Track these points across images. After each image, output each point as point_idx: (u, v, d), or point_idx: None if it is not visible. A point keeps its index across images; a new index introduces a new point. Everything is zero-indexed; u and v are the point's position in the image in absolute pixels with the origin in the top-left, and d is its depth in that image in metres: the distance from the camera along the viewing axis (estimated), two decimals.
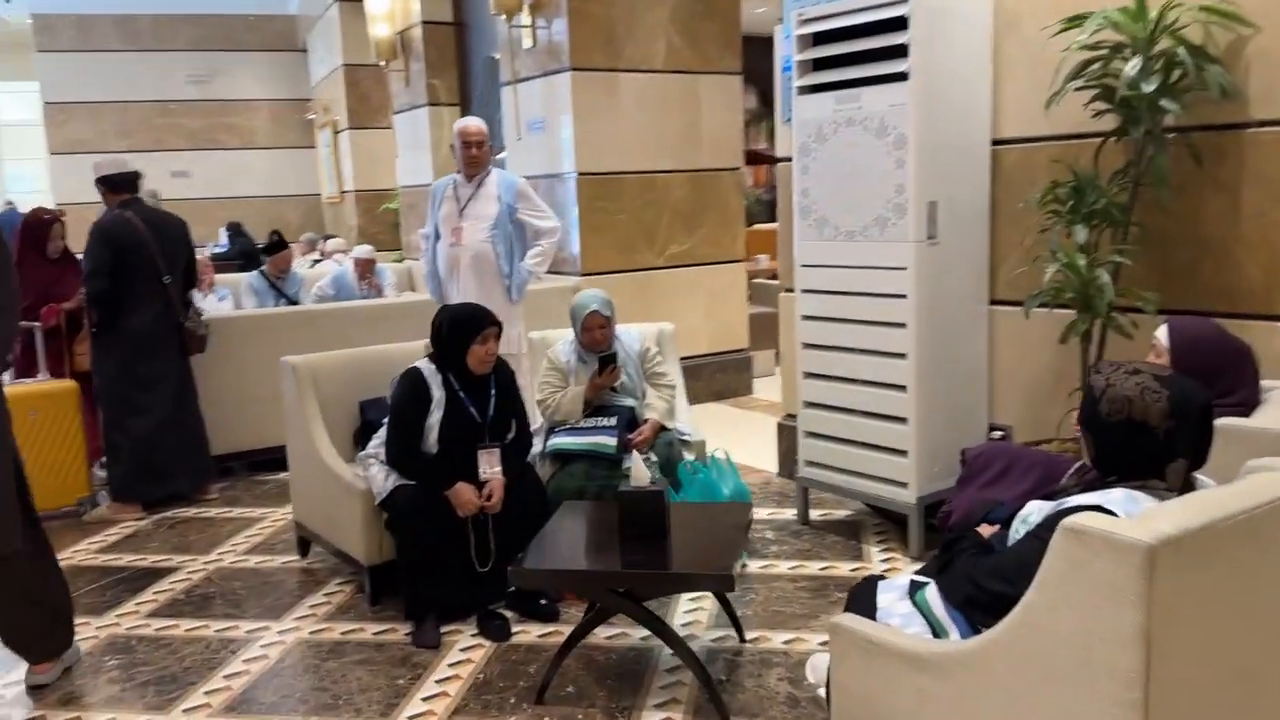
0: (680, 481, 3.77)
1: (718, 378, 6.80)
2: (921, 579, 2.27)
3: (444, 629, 3.31)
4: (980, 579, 2.05)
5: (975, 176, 3.88)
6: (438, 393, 3.37)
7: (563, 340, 4.07)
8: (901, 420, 3.80)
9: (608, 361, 3.84)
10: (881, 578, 2.39)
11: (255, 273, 7.17)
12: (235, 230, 11.81)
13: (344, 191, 11.36)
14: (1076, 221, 3.34)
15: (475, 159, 4.77)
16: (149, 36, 13.20)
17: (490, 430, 3.43)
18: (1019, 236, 3.80)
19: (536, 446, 3.88)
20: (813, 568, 3.78)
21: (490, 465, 3.37)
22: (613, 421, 3.83)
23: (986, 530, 2.34)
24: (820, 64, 3.94)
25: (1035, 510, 2.09)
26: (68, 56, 12.90)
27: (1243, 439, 2.37)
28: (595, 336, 3.91)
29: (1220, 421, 2.42)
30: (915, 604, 2.20)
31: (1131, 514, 1.89)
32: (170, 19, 13.19)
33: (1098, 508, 1.90)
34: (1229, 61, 3.21)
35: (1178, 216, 3.41)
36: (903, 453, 3.81)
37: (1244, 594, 1.85)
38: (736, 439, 5.59)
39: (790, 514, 4.36)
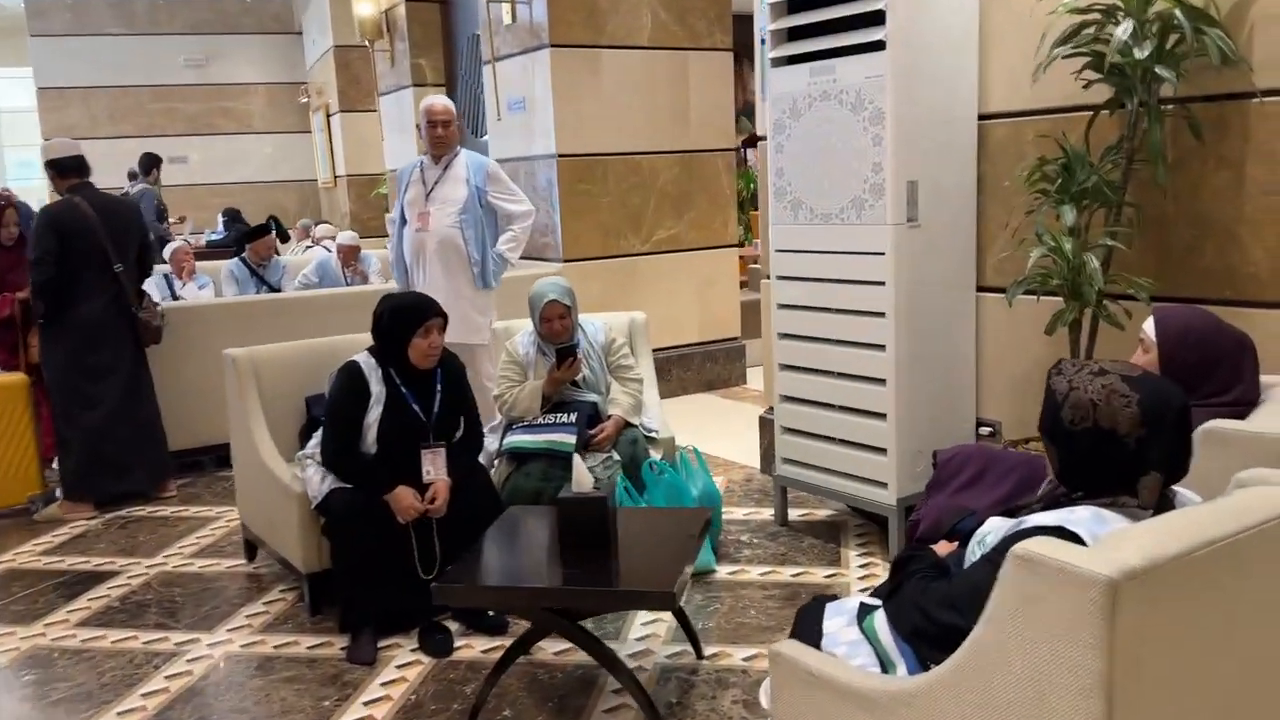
0: (644, 482, 3.54)
1: (708, 367, 6.55)
2: (873, 602, 2.04)
3: (383, 643, 3.10)
4: (929, 608, 1.81)
5: (960, 154, 3.60)
6: (377, 388, 3.15)
7: (523, 331, 3.84)
8: (881, 416, 3.55)
9: (566, 354, 3.61)
10: (833, 597, 2.15)
11: (236, 260, 6.98)
12: (232, 216, 11.64)
13: (337, 176, 11.16)
14: (1065, 201, 3.07)
15: (441, 139, 4.54)
16: (144, 20, 13.00)
17: (436, 428, 3.20)
18: (1007, 218, 3.52)
19: (493, 445, 3.66)
20: (785, 574, 3.55)
21: (434, 466, 3.15)
22: (573, 418, 3.60)
23: (944, 548, 2.10)
24: (796, 34, 3.68)
25: (993, 529, 1.85)
26: (62, 41, 12.73)
27: (1236, 444, 2.12)
28: (555, 327, 3.67)
29: (1212, 424, 2.17)
30: (863, 631, 1.97)
31: (1098, 536, 1.64)
32: (166, 2, 13.00)
33: (1058, 529, 1.66)
34: (1231, 26, 2.93)
35: (1176, 195, 3.13)
36: (882, 450, 3.56)
37: (1224, 633, 1.60)
38: (723, 431, 5.37)
39: (769, 514, 4.13)
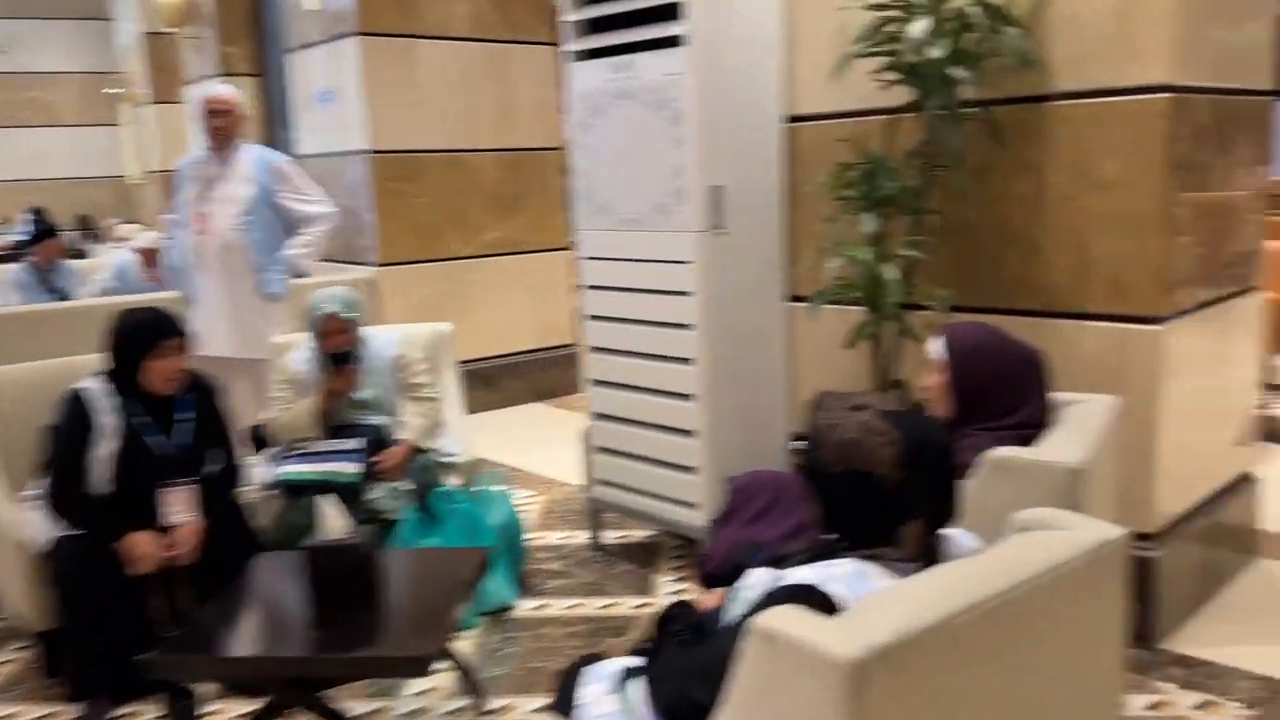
0: (435, 514, 3.23)
1: (542, 375, 6.27)
2: (638, 663, 1.79)
3: (122, 711, 2.70)
4: (682, 679, 1.58)
5: (768, 158, 3.42)
6: (107, 419, 2.74)
7: (300, 348, 3.46)
8: (691, 434, 3.35)
9: (340, 361, 3.26)
10: (597, 657, 1.91)
11: (20, 264, 6.32)
12: (37, 215, 10.69)
13: (149, 172, 10.37)
14: (867, 209, 2.92)
15: (220, 130, 4.12)
16: None
17: (183, 463, 2.82)
18: (818, 226, 3.36)
19: (265, 475, 3.28)
20: (592, 606, 3.30)
21: (178, 506, 2.77)
22: (355, 444, 3.26)
23: (711, 600, 1.88)
24: (598, 26, 3.43)
25: (756, 583, 1.63)
26: None
27: (1023, 474, 1.97)
28: (335, 344, 3.32)
29: (997, 453, 2.02)
30: (624, 699, 1.72)
31: (861, 596, 1.44)
32: None
33: (809, 590, 1.45)
34: (1033, 25, 2.82)
35: (980, 203, 3.02)
36: (692, 470, 3.35)
37: (999, 701, 1.42)
38: (550, 445, 5.09)
39: (586, 537, 3.87)
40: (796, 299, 3.50)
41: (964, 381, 2.18)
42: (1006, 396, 2.17)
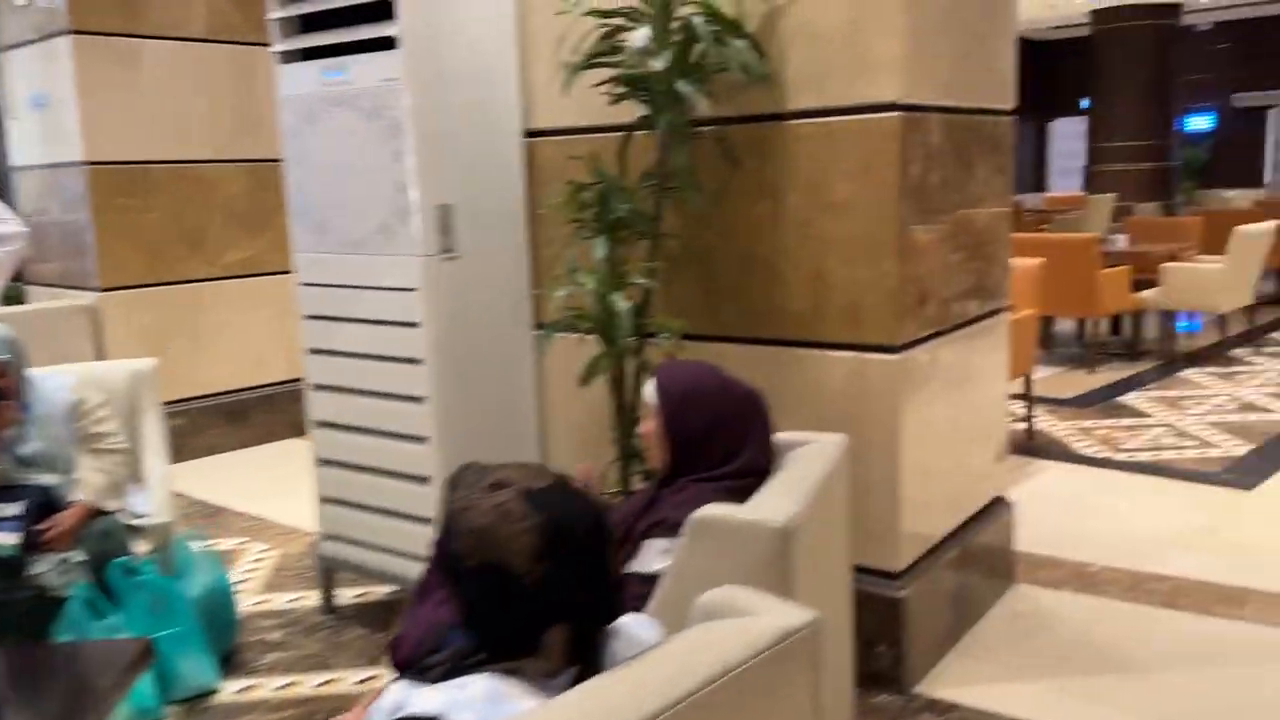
0: (115, 589, 2.75)
1: (299, 409, 5.74)
2: None
3: None
4: None
5: (506, 175, 3.14)
6: None
7: None
8: (424, 480, 3.01)
9: None
10: None
11: None
12: None
13: None
14: (600, 232, 2.68)
15: None
16: None
17: None
18: (562, 249, 3.11)
19: None
20: (309, 684, 2.90)
21: None
22: (15, 509, 2.75)
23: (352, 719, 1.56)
24: (311, 24, 3.06)
25: (384, 707, 1.32)
26: None
27: (730, 536, 1.74)
28: None
29: (700, 514, 1.79)
30: None
31: None
32: None
33: None
34: (765, 38, 2.66)
35: (720, 226, 2.84)
36: (428, 521, 3.01)
37: None
38: (298, 488, 4.61)
39: (318, 598, 3.45)
40: (547, 327, 3.23)
41: (677, 427, 1.95)
42: (725, 442, 1.95)
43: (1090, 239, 6.37)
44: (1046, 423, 5.37)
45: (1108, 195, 11.73)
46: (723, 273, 2.87)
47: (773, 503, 1.78)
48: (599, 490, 2.35)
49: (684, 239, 2.84)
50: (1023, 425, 5.16)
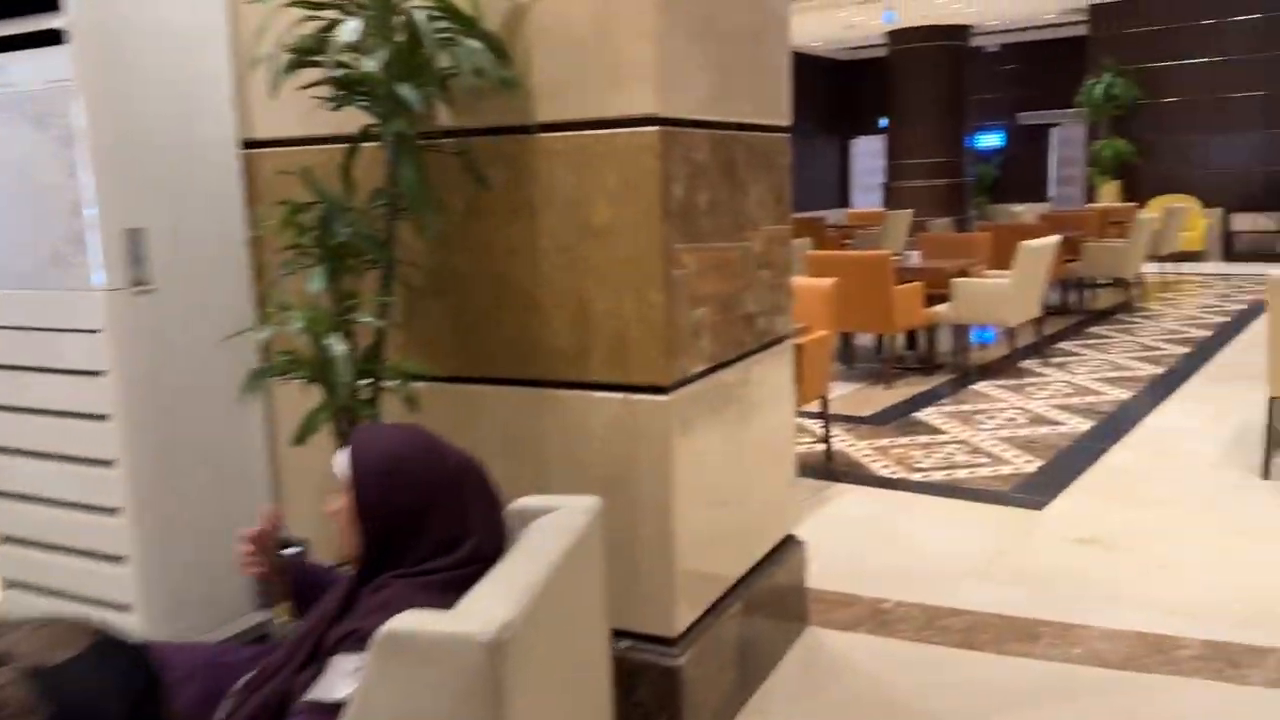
0: None
1: None
2: None
3: None
4: None
5: (220, 193, 2.68)
6: None
7: None
8: (119, 560, 2.51)
9: None
10: None
11: None
12: None
13: None
14: (323, 260, 2.28)
15: None
16: None
17: None
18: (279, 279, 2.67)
19: None
20: None
21: None
22: None
23: None
24: None
25: None
26: None
27: (425, 655, 1.38)
28: None
29: (391, 624, 1.42)
30: None
31: None
32: None
33: None
34: (509, 39, 2.33)
35: (471, 252, 2.49)
36: (125, 608, 2.52)
37: None
38: None
39: None
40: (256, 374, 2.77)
41: (375, 510, 1.58)
42: (438, 528, 1.59)
43: (883, 256, 6.40)
44: (845, 442, 5.29)
45: (905, 211, 12.12)
46: (475, 304, 2.52)
47: (483, 606, 1.43)
48: (282, 541, 1.95)
49: (429, 266, 2.48)
50: (821, 446, 5.05)
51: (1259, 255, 13.20)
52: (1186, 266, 11.89)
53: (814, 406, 4.85)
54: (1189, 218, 12.36)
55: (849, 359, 7.24)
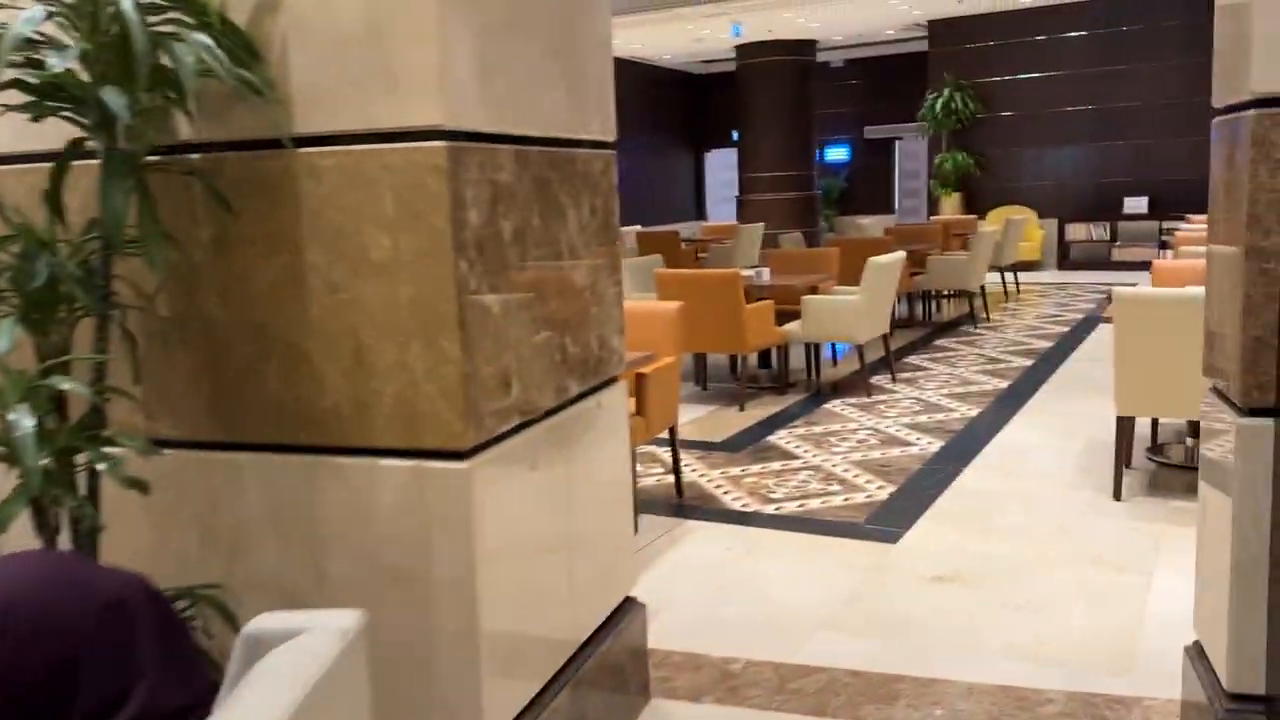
0: None
1: None
2: None
3: None
4: None
5: None
6: None
7: None
8: None
9: None
10: None
11: None
12: None
13: None
14: (20, 310, 1.80)
15: None
16: None
17: None
18: None
19: None
20: None
21: None
22: None
23: None
24: None
25: None
26: None
27: None
28: None
29: None
30: None
31: None
32: None
33: None
34: (257, 34, 1.92)
35: (221, 292, 2.05)
36: None
37: None
38: None
39: None
40: None
41: (4, 674, 1.14)
42: (92, 688, 1.16)
43: (734, 275, 6.18)
44: (696, 471, 5.01)
45: (757, 224, 12.06)
46: (231, 356, 2.08)
47: None
48: None
49: (172, 312, 2.03)
50: (671, 478, 4.75)
51: (1092, 264, 13.78)
52: (1025, 276, 12.24)
53: (664, 434, 4.55)
54: (1027, 229, 12.76)
55: (702, 380, 7.01)
